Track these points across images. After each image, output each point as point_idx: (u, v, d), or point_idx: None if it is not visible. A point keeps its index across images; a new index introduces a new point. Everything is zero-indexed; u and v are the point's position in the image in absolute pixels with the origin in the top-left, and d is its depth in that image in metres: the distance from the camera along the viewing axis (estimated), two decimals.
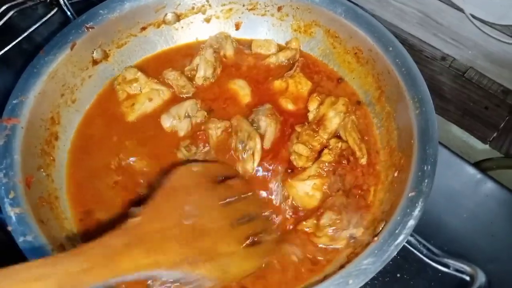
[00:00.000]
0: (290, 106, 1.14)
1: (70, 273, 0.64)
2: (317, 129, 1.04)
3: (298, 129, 1.07)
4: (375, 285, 1.12)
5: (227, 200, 0.88)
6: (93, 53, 1.15)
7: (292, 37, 1.26)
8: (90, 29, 1.11)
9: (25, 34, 1.28)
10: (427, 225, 1.05)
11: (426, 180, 0.87)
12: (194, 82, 1.19)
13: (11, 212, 0.86)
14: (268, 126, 1.06)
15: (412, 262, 1.12)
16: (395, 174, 0.99)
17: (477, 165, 1.41)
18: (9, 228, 0.84)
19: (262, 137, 1.05)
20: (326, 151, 1.01)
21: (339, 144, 1.02)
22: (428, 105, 0.96)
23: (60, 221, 0.97)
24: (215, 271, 0.77)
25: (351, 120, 1.06)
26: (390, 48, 1.05)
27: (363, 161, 1.04)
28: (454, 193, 1.23)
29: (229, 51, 1.24)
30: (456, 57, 1.45)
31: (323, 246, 0.93)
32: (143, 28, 1.21)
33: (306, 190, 0.97)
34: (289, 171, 1.03)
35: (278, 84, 1.17)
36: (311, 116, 1.09)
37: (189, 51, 1.26)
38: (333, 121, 1.05)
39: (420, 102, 0.97)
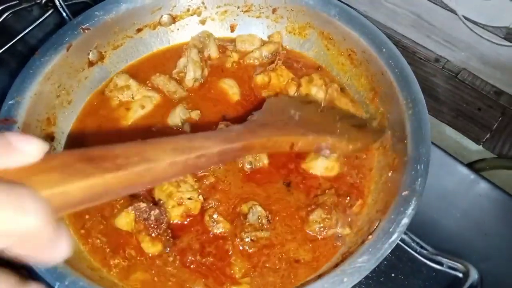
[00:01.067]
0: None
1: (228, 136, 0.72)
2: None
3: None
4: (369, 285, 1.12)
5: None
6: (89, 54, 1.16)
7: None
8: (86, 31, 1.11)
9: (20, 35, 1.28)
10: (421, 224, 1.06)
11: (419, 179, 0.88)
12: (184, 85, 1.19)
13: None
14: None
15: (406, 261, 1.13)
16: (389, 174, 1.00)
17: (471, 165, 1.42)
18: None
19: None
20: None
21: None
22: (420, 105, 0.97)
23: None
24: (337, 141, 0.91)
25: (334, 89, 1.08)
26: (384, 49, 1.06)
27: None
28: (447, 193, 1.24)
29: (213, 50, 1.25)
30: (449, 58, 1.46)
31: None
32: (139, 30, 1.22)
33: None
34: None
35: (260, 78, 1.18)
36: None
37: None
38: (318, 95, 1.09)
39: (413, 102, 0.98)
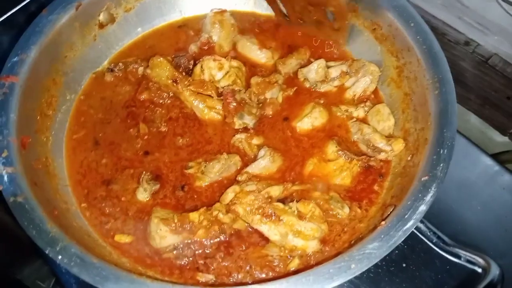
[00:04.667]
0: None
1: None
2: None
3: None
4: (379, 274, 1.07)
5: None
6: (99, 15, 1.10)
7: None
8: None
9: None
10: (438, 214, 1.00)
11: (441, 165, 0.81)
12: None
13: (3, 171, 0.82)
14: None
15: (419, 252, 1.07)
16: (408, 158, 0.93)
17: (495, 156, 1.34)
18: (0, 188, 0.81)
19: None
20: None
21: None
22: (448, 85, 0.90)
23: (55, 183, 0.94)
24: None
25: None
26: (412, 24, 0.99)
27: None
28: (469, 183, 1.17)
29: None
30: (481, 42, 1.37)
31: None
32: None
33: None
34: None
35: None
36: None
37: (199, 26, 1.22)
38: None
39: (440, 82, 0.91)
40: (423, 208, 0.77)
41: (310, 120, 1.04)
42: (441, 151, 0.83)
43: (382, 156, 0.99)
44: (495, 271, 0.70)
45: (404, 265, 1.07)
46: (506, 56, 1.35)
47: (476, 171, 1.20)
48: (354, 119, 1.06)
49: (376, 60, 1.09)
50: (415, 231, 0.80)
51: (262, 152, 0.99)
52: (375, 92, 1.11)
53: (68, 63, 1.06)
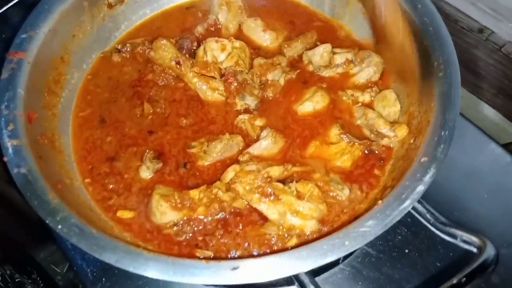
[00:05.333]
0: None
1: None
2: None
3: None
4: (381, 259, 1.06)
5: None
6: None
7: None
8: None
9: None
10: (443, 200, 0.99)
11: (441, 146, 0.80)
12: None
13: (8, 144, 0.84)
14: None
15: (423, 238, 1.06)
16: (411, 141, 0.92)
17: (506, 146, 1.31)
18: (5, 159, 0.83)
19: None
20: None
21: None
22: (453, 67, 0.88)
23: (60, 158, 0.96)
24: None
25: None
26: (419, 6, 0.97)
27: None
28: (477, 171, 1.15)
29: None
30: (495, 29, 1.34)
31: None
32: None
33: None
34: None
35: None
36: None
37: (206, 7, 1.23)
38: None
39: (445, 64, 0.89)
40: (421, 188, 0.76)
41: (312, 104, 1.04)
42: (442, 133, 0.82)
43: (385, 141, 0.99)
44: (490, 251, 0.69)
45: (406, 250, 1.06)
46: None
47: (485, 160, 1.18)
48: (360, 104, 1.05)
49: None
50: (413, 211, 0.79)
51: (264, 133, 1.00)
52: (385, 77, 1.10)
53: (76, 42, 1.08)
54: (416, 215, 0.79)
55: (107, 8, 1.13)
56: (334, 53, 1.11)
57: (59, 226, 0.76)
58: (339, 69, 1.10)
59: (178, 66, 1.06)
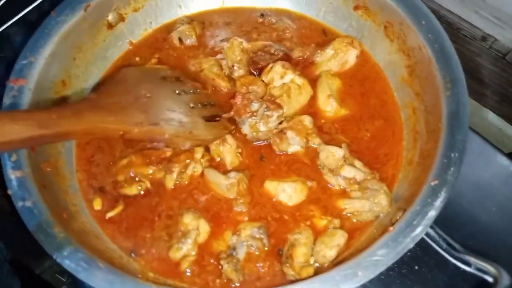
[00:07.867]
0: None
1: (46, 119, 0.77)
2: None
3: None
4: (390, 276, 1.05)
5: (182, 90, 0.99)
6: (108, 16, 1.10)
7: None
8: None
9: None
10: (450, 217, 0.97)
11: (452, 169, 0.79)
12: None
13: (12, 176, 0.83)
14: None
15: (432, 254, 1.04)
16: (418, 159, 0.91)
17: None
18: (9, 192, 0.82)
19: None
20: None
21: None
22: (460, 86, 0.87)
23: (65, 184, 0.95)
24: (181, 132, 0.92)
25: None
26: (423, 22, 0.96)
27: None
28: (484, 184, 1.13)
29: None
30: (498, 37, 1.33)
31: None
32: None
33: None
34: None
35: None
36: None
37: (209, 19, 1.22)
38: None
39: (452, 83, 0.88)
40: (432, 213, 0.76)
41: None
42: (452, 155, 0.81)
43: None
44: (506, 281, 0.68)
45: (416, 267, 1.05)
46: None
47: (491, 171, 1.16)
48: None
49: (387, 59, 1.07)
50: (425, 236, 0.78)
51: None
52: None
53: (77, 65, 1.06)
54: (428, 240, 0.78)
55: (107, 29, 1.11)
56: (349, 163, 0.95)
57: (67, 262, 0.75)
58: (342, 182, 0.95)
59: None
